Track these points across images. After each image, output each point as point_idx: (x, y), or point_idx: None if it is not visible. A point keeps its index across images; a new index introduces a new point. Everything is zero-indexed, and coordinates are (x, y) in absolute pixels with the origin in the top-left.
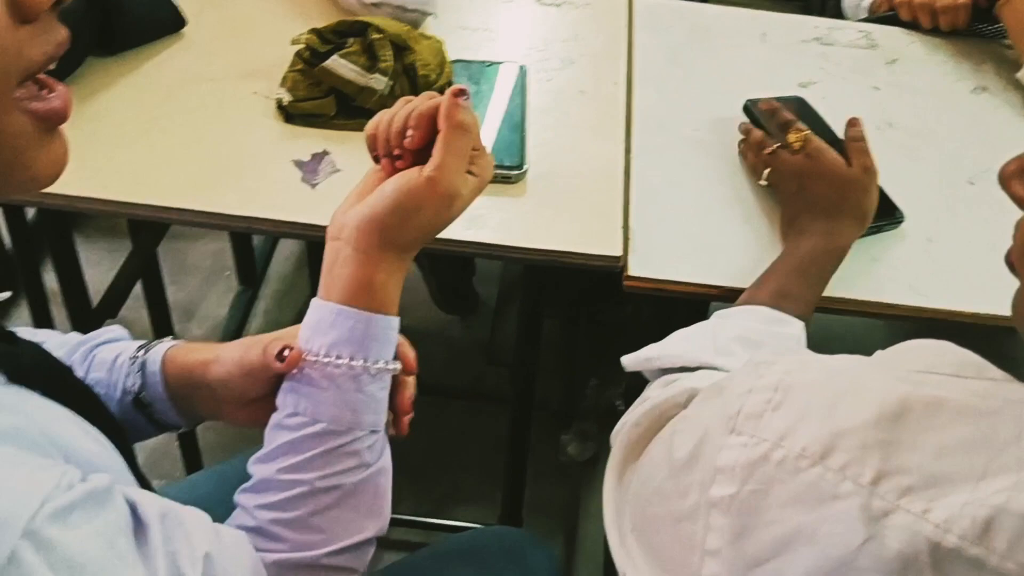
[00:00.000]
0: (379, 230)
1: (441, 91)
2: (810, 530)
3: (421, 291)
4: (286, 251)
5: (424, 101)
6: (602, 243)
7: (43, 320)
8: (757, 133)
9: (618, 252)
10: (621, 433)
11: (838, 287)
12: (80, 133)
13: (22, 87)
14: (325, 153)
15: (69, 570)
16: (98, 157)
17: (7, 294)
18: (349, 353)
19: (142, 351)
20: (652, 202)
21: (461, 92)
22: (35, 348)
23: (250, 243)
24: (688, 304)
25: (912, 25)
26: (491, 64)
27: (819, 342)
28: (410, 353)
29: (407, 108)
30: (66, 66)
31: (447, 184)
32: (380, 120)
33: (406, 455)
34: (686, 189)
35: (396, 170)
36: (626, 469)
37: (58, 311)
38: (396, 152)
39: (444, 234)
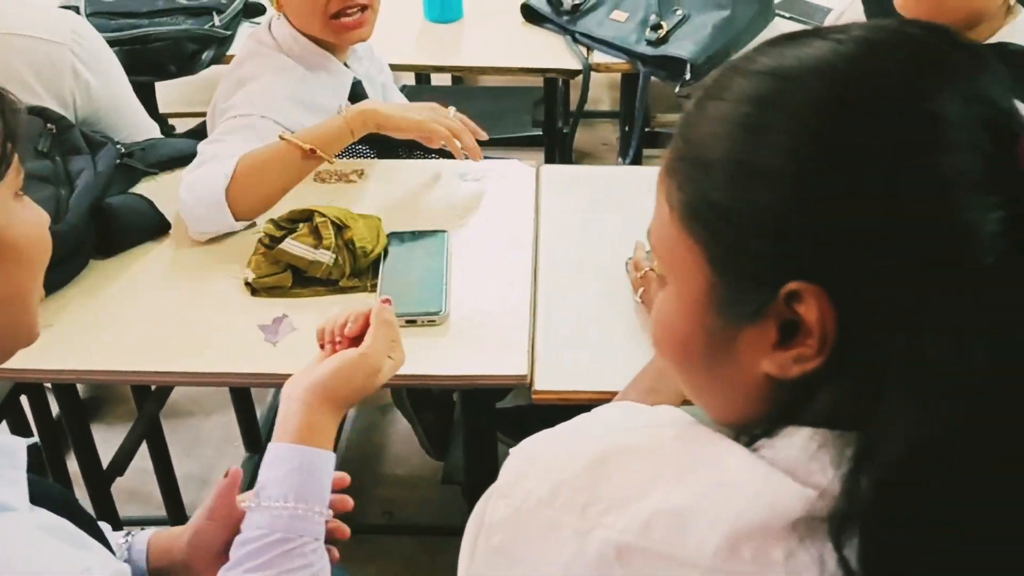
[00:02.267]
0: (322, 389)
1: (377, 258)
2: (545, 551)
3: (412, 442)
4: None
5: (360, 307)
6: (512, 366)
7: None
8: (639, 254)
9: (524, 372)
10: None
11: None
12: (84, 321)
13: None
14: (284, 316)
15: None
16: (102, 339)
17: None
18: (296, 488)
19: (129, 536)
20: (556, 330)
21: (387, 300)
22: (44, 481)
23: (254, 414)
24: None
25: None
26: (420, 233)
27: None
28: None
29: (347, 311)
30: (71, 270)
31: (374, 359)
32: (327, 321)
33: None
34: (585, 318)
35: (336, 352)
36: None
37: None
38: (337, 339)
39: None
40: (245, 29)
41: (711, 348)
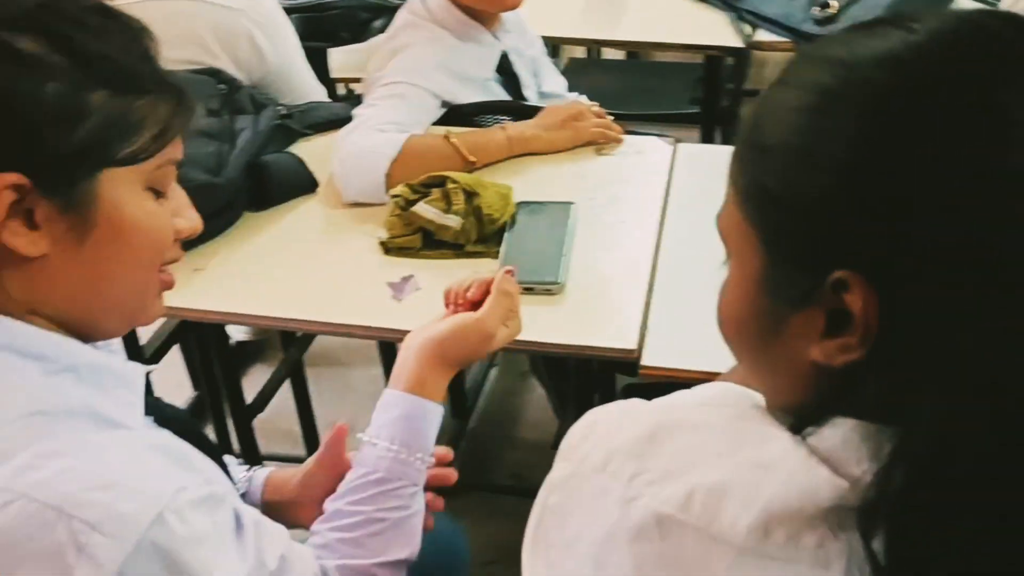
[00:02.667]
0: (436, 345)
1: (503, 225)
2: (593, 513)
3: (547, 409)
4: None
5: (485, 274)
6: (621, 339)
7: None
8: None
9: (633, 346)
10: None
11: None
12: (234, 268)
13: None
14: (411, 276)
15: (195, 539)
16: (247, 286)
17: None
18: (401, 434)
19: (251, 470)
20: (671, 308)
21: (510, 271)
22: (174, 407)
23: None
24: None
25: None
26: (548, 203)
27: None
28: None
29: (472, 277)
30: (226, 221)
31: (489, 324)
32: (454, 283)
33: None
34: (701, 299)
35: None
36: None
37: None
38: (459, 302)
39: None
40: None
41: (763, 331)
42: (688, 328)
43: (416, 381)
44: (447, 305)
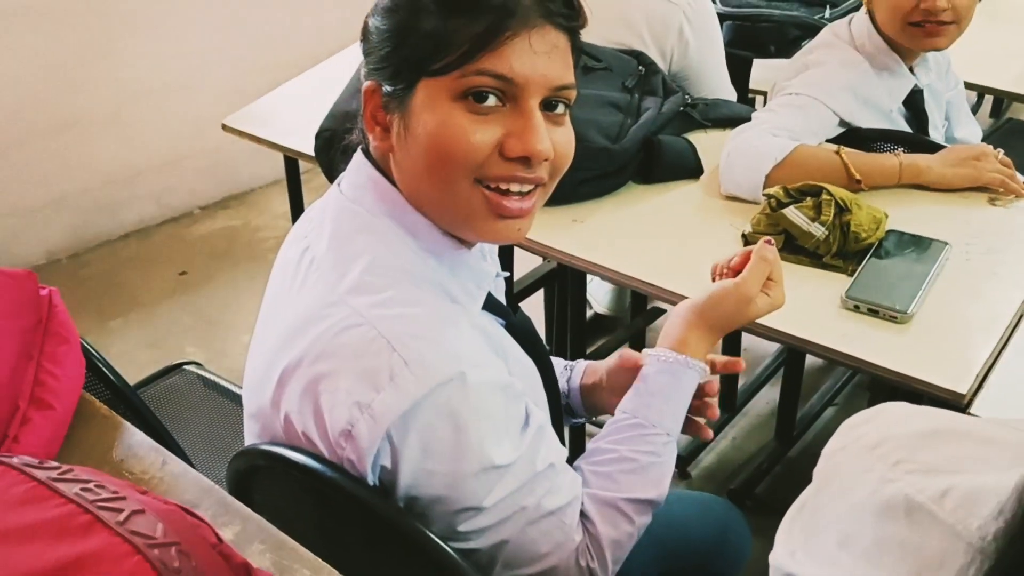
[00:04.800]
0: (698, 310)
1: (868, 247)
2: (850, 485)
3: None
4: (768, 397)
5: (750, 247)
6: (954, 382)
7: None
8: None
9: (965, 391)
10: None
11: None
12: (608, 227)
13: (483, 185)
14: None
15: (484, 412)
16: (615, 244)
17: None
18: (659, 385)
19: (572, 363)
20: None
21: (769, 241)
22: (527, 318)
23: (736, 377)
24: None
25: None
26: (921, 237)
27: None
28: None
29: (736, 252)
30: (613, 185)
31: (746, 289)
32: (720, 260)
33: None
34: None
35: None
36: None
37: None
38: (723, 273)
39: (826, 342)
40: None
41: None
42: None
43: (678, 340)
44: (713, 279)
